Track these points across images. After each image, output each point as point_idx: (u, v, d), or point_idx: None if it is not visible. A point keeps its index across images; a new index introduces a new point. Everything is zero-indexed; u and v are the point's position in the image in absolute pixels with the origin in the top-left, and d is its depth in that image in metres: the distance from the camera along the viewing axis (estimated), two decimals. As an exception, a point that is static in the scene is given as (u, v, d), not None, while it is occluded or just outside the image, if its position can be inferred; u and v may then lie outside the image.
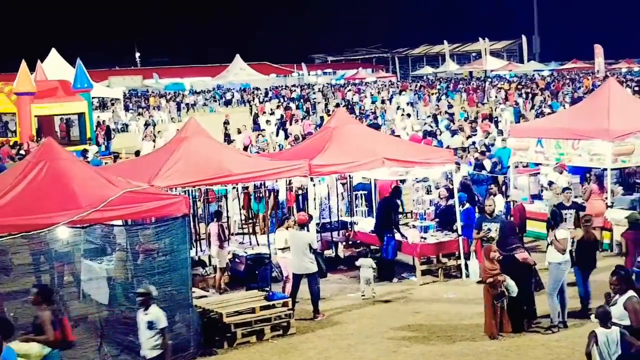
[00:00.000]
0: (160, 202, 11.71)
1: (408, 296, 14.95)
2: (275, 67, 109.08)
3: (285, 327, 12.98)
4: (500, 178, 21.23)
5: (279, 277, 15.17)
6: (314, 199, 18.04)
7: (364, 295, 14.83)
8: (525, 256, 12.76)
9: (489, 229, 14.49)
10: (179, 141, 15.22)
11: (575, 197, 18.33)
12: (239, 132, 33.69)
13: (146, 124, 44.47)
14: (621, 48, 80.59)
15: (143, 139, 35.21)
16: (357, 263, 15.22)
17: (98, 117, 44.59)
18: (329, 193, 18.68)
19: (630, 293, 9.43)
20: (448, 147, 25.07)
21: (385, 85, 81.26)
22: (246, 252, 16.05)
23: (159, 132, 35.64)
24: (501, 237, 13.30)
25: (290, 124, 39.18)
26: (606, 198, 17.71)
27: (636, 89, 46.07)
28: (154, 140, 32.77)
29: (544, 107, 40.88)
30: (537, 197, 19.44)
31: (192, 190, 15.83)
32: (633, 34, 59.29)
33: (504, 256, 12.61)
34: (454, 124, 34.11)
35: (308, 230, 15.08)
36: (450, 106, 46.80)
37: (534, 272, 13.17)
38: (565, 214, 15.04)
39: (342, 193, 19.28)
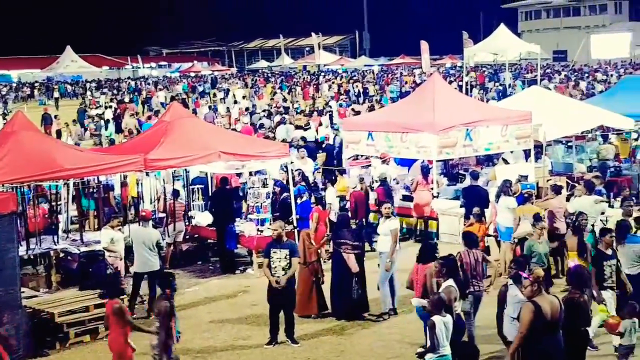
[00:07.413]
0: (-15, 200, 11.23)
1: (246, 289, 15.09)
2: (109, 59, 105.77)
3: (122, 324, 12.75)
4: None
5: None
6: (150, 194, 17.81)
7: None
8: (352, 263, 12.86)
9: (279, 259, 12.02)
10: (5, 135, 14.58)
11: (407, 187, 19.14)
12: None
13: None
14: (445, 44, 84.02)
15: None
16: None
17: None
18: (164, 187, 18.48)
19: (450, 282, 9.92)
20: (284, 140, 25.44)
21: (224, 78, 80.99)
22: (79, 250, 15.61)
23: None
24: (335, 228, 13.68)
25: (124, 117, 38.25)
26: (432, 189, 18.52)
27: (460, 84, 48.28)
28: None
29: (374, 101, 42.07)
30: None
31: (21, 187, 15.19)
32: (455, 30, 62.06)
33: (334, 250, 13.03)
34: (288, 116, 34.49)
35: (156, 227, 14.86)
36: (284, 100, 47.32)
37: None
38: (610, 265, 11.20)
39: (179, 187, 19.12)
